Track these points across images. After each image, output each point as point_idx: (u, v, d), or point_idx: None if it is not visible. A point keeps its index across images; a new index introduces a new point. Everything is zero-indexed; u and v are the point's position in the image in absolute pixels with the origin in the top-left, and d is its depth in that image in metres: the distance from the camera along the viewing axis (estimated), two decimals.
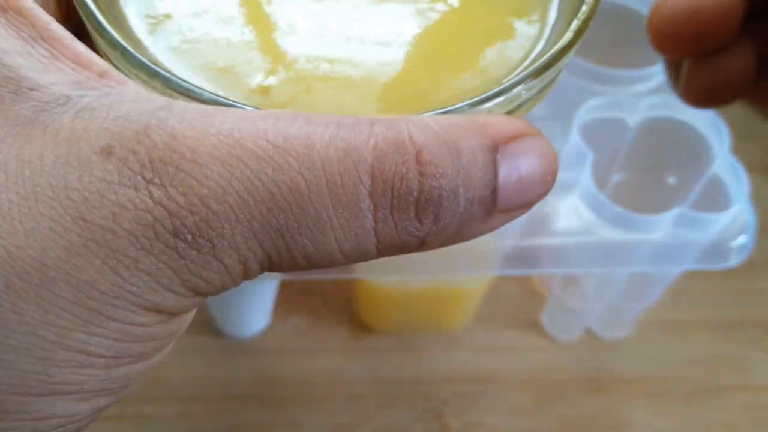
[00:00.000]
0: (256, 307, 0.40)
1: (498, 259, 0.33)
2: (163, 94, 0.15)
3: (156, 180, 0.13)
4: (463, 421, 0.39)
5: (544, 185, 0.15)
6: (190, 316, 0.16)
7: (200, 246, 0.13)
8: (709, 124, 0.34)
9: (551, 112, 0.35)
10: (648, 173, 0.38)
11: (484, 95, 0.15)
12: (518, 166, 0.15)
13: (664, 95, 0.35)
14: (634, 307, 0.40)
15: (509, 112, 0.16)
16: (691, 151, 0.35)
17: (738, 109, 0.56)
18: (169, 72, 0.15)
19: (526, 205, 0.15)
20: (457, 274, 0.35)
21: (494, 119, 0.15)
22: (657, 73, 0.35)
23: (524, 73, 0.16)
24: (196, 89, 0.15)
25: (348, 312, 0.42)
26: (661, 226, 0.32)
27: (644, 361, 0.42)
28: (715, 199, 0.34)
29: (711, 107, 0.22)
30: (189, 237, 0.13)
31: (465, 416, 0.39)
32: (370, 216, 0.14)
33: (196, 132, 0.13)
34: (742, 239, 0.32)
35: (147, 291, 0.13)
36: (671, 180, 0.37)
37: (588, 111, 0.34)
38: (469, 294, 0.39)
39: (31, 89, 0.14)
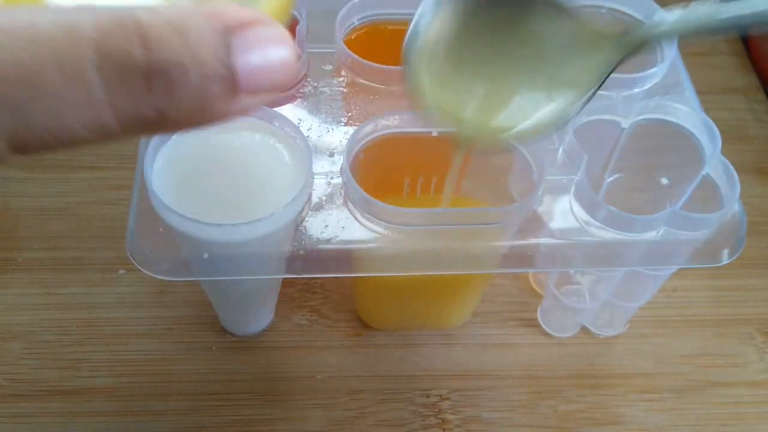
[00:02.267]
0: (259, 306, 0.40)
1: (496, 257, 0.33)
2: None
3: None
4: (461, 416, 0.40)
5: (283, 69, 0.16)
6: None
7: None
8: (701, 127, 0.35)
9: None
10: (641, 174, 0.38)
11: None
12: (255, 49, 0.16)
13: (657, 98, 0.36)
14: (627, 305, 0.41)
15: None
16: (683, 153, 0.35)
17: (729, 111, 0.57)
18: None
19: (270, 88, 0.16)
20: (456, 272, 0.35)
21: (225, 7, 0.16)
22: (650, 76, 0.36)
23: None
24: None
25: (348, 310, 0.43)
26: (655, 226, 0.32)
27: (638, 357, 0.42)
28: (707, 199, 0.34)
29: None
30: None
31: (463, 411, 0.40)
32: (101, 89, 0.15)
33: None
34: (733, 239, 0.33)
35: None
36: (664, 181, 0.37)
37: (583, 113, 0.34)
38: (467, 292, 0.40)
39: None
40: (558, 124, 0.28)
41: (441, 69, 0.28)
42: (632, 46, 0.26)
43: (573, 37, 0.27)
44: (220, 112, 0.16)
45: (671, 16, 0.25)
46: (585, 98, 0.27)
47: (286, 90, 0.17)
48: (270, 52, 0.16)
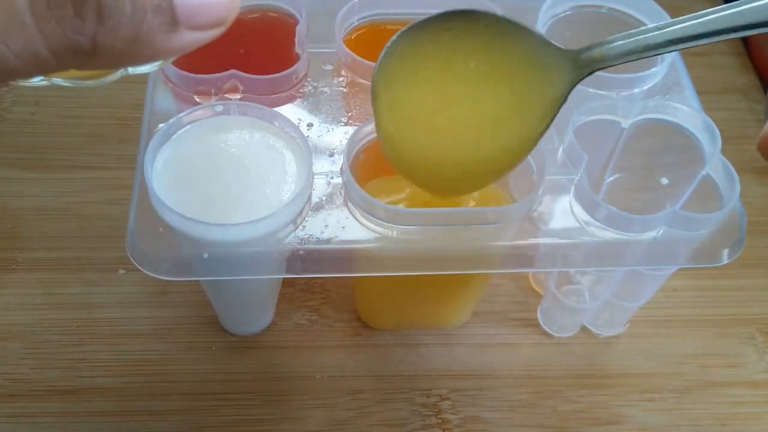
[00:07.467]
0: (259, 306, 0.40)
1: (496, 257, 0.33)
2: None
3: None
4: (461, 415, 0.40)
5: (224, 4, 0.16)
6: None
7: None
8: (702, 127, 0.35)
9: None
10: (641, 174, 0.38)
11: None
12: None
13: (657, 98, 0.36)
14: (627, 305, 0.41)
15: None
16: (683, 153, 0.35)
17: (729, 111, 0.57)
18: None
19: (213, 24, 0.16)
20: (456, 272, 0.35)
21: None
22: (650, 76, 0.36)
23: None
24: None
25: (348, 310, 0.43)
26: (655, 226, 0.32)
27: (638, 357, 0.42)
28: (707, 199, 0.34)
29: None
30: None
31: (463, 411, 0.40)
32: (29, 13, 0.15)
33: None
34: (733, 239, 0.33)
35: None
36: (664, 181, 0.37)
37: (583, 113, 0.34)
38: (467, 292, 0.40)
39: None
40: (521, 151, 0.29)
41: (399, 96, 0.28)
42: (590, 62, 0.27)
43: (529, 55, 0.27)
44: (159, 46, 0.16)
45: (624, 36, 0.26)
46: (548, 120, 0.28)
47: (224, 28, 0.16)
48: None
